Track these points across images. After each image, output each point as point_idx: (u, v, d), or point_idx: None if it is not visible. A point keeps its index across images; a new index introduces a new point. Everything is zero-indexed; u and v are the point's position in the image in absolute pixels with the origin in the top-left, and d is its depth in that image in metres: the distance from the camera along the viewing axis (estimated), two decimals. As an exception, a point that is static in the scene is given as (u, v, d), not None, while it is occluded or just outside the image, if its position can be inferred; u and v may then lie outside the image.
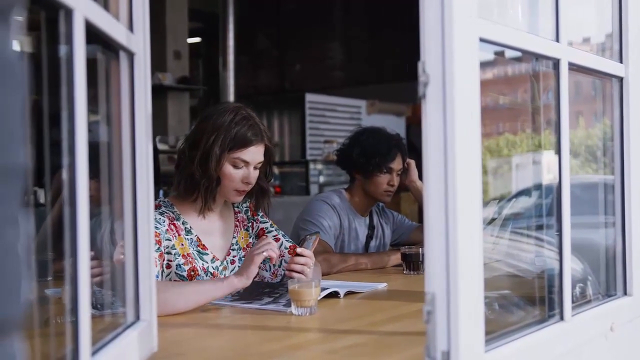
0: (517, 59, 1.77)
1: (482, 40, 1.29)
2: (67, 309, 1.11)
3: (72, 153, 1.03)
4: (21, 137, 0.57)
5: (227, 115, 2.23)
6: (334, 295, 2.17)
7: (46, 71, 1.08)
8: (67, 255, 1.04)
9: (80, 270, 1.04)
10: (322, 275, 2.70)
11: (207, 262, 2.28)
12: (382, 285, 2.41)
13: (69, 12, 1.02)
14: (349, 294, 2.24)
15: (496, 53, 1.52)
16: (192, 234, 2.28)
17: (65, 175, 1.04)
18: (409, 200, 6.76)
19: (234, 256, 2.38)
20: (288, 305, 1.96)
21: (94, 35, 1.14)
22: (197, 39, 10.27)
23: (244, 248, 2.41)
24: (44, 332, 1.21)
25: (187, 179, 2.25)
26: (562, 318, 1.55)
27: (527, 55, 1.64)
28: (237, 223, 2.43)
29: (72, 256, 1.04)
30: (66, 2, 1.00)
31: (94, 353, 1.11)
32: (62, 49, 1.04)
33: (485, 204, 1.31)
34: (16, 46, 0.58)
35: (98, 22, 1.14)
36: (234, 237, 2.40)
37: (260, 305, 2.02)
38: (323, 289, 2.09)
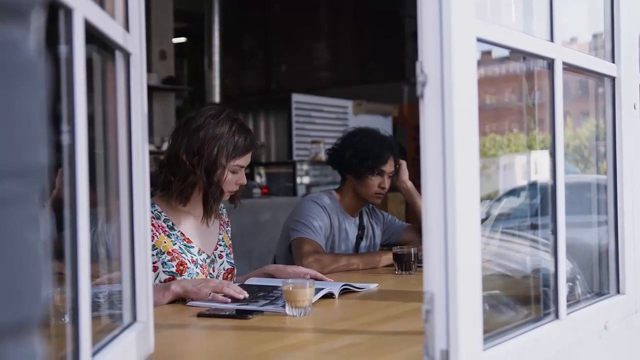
0: (504, 59, 1.78)
1: (479, 40, 1.29)
2: (63, 310, 1.11)
3: (72, 153, 1.02)
4: (42, 136, 0.57)
5: (224, 124, 2.32)
6: (327, 295, 2.17)
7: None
8: (68, 256, 1.03)
9: (80, 272, 1.03)
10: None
11: (194, 255, 2.35)
12: (374, 286, 2.42)
13: (68, 12, 1.01)
14: (344, 293, 2.24)
15: (483, 52, 1.53)
16: (175, 230, 2.35)
17: (63, 175, 1.03)
18: (395, 201, 6.79)
19: (221, 251, 2.47)
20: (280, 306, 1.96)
21: (90, 35, 1.13)
22: (182, 39, 10.26)
23: (228, 245, 2.52)
24: (43, 333, 1.20)
25: (189, 187, 2.32)
26: (557, 316, 1.56)
27: (516, 55, 1.65)
28: (222, 222, 2.54)
29: (73, 258, 1.03)
30: (66, 1, 0.99)
31: (93, 354, 1.10)
32: (62, 49, 1.03)
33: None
34: (36, 45, 0.58)
35: (97, 22, 1.13)
36: (220, 234, 2.50)
37: (258, 307, 2.01)
38: (318, 290, 2.09)
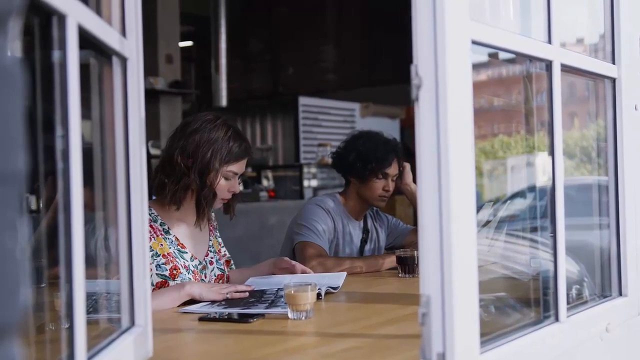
0: (511, 61, 1.77)
1: (474, 42, 1.29)
2: (62, 315, 1.11)
3: (66, 159, 1.03)
4: (20, 142, 0.57)
5: (220, 130, 2.36)
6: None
7: (39, 76, 1.07)
8: (63, 261, 1.04)
9: (75, 276, 1.04)
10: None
11: (187, 261, 2.38)
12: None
13: (62, 18, 1.02)
14: (327, 294, 2.27)
15: (490, 55, 1.53)
16: (170, 234, 2.38)
17: (59, 181, 1.04)
18: (403, 204, 6.77)
19: (211, 257, 2.50)
20: (286, 307, 1.95)
21: (86, 40, 1.14)
22: (189, 43, 10.26)
23: (217, 251, 2.54)
24: (39, 338, 1.20)
25: (183, 190, 2.34)
26: (557, 319, 1.55)
27: (521, 57, 1.65)
28: (211, 228, 2.57)
29: (67, 262, 1.03)
30: (59, 7, 0.99)
31: (89, 358, 1.11)
32: (55, 54, 1.04)
33: (480, 206, 1.31)
34: (14, 52, 0.59)
35: (91, 28, 1.14)
36: (210, 240, 2.53)
37: (263, 309, 2.00)
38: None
